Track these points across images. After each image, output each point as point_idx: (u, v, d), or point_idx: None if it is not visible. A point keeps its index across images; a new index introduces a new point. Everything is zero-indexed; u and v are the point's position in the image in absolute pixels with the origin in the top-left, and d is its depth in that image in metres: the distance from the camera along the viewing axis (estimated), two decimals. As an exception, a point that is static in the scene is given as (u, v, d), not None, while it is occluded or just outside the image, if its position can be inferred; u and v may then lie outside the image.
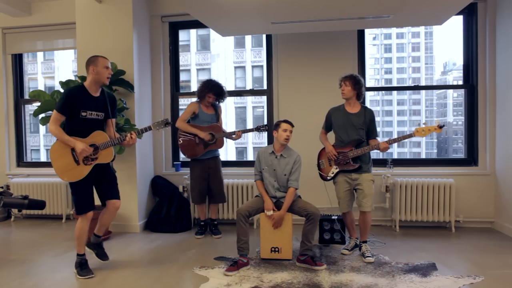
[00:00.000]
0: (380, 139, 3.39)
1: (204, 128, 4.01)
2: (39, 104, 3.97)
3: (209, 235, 4.17)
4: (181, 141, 4.03)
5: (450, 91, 40.31)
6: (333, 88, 3.60)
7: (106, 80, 2.93)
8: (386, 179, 4.33)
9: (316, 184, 3.88)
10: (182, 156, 5.10)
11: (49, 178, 4.96)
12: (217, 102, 4.16)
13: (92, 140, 2.88)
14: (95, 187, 3.04)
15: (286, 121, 3.29)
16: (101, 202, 3.09)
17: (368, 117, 3.36)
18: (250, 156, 22.35)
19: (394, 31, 41.63)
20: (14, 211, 5.04)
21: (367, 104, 4.38)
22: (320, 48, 4.53)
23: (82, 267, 3.01)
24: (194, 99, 4.17)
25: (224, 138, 4.11)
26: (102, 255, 3.13)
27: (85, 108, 2.87)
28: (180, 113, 5.10)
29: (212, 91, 4.01)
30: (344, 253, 3.44)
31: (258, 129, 4.03)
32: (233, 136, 4.03)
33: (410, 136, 3.18)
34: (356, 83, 3.35)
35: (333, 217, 3.74)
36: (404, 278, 2.85)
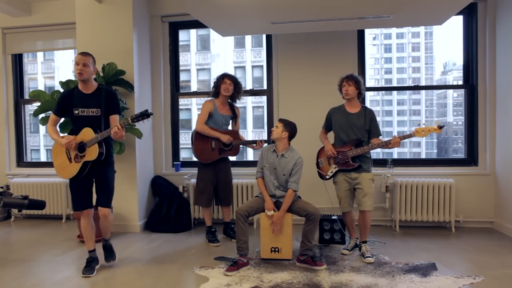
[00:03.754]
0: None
1: (222, 133, 3.81)
2: (39, 104, 3.98)
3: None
4: (196, 145, 3.82)
5: (450, 91, 40.36)
6: (333, 88, 3.59)
7: (77, 75, 2.92)
8: (386, 179, 4.33)
9: (316, 184, 3.88)
10: (182, 156, 5.10)
11: (49, 178, 4.96)
12: (233, 100, 3.96)
13: (81, 137, 2.91)
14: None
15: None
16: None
17: (368, 116, 3.35)
18: (250, 156, 22.31)
19: (394, 31, 41.64)
20: (14, 211, 5.04)
21: (367, 104, 4.38)
22: (320, 48, 4.53)
23: (86, 264, 3.08)
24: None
25: (241, 146, 3.93)
26: (106, 256, 3.20)
27: (75, 106, 2.93)
28: (181, 113, 5.13)
29: (226, 76, 3.85)
30: (344, 253, 3.44)
31: None
32: (254, 145, 3.84)
33: (409, 136, 3.18)
34: (357, 82, 3.36)
35: (333, 217, 3.74)
36: (404, 278, 2.85)
